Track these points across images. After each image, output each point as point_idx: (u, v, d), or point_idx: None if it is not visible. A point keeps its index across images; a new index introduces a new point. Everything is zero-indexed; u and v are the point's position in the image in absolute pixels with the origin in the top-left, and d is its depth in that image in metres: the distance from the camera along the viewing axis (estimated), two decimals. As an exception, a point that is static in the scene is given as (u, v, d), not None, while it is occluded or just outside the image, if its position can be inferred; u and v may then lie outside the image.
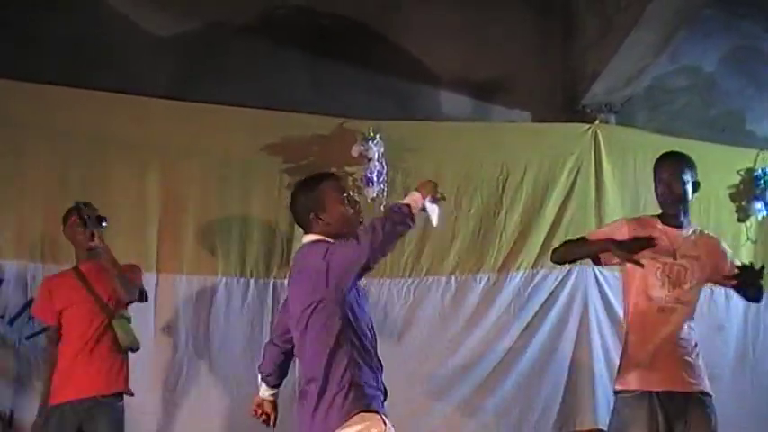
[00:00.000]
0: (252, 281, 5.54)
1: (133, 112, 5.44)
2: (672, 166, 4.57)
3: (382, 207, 5.59)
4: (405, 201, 3.65)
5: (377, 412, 3.46)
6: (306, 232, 3.71)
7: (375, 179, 5.62)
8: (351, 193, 3.75)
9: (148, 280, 5.28)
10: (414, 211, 3.60)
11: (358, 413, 3.39)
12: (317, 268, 3.47)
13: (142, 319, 5.26)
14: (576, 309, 6.13)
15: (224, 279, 5.52)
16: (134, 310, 5.00)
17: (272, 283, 5.59)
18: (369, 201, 5.64)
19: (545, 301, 6.09)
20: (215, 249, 5.53)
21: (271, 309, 5.55)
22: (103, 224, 4.70)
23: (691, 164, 4.61)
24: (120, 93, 5.43)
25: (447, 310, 5.86)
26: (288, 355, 3.94)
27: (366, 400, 3.44)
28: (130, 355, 4.85)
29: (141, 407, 5.14)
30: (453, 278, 5.84)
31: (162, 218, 5.45)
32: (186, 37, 6.11)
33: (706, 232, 4.64)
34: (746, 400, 6.49)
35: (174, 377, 5.34)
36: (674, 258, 4.48)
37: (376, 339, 3.69)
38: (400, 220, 3.54)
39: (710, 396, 4.42)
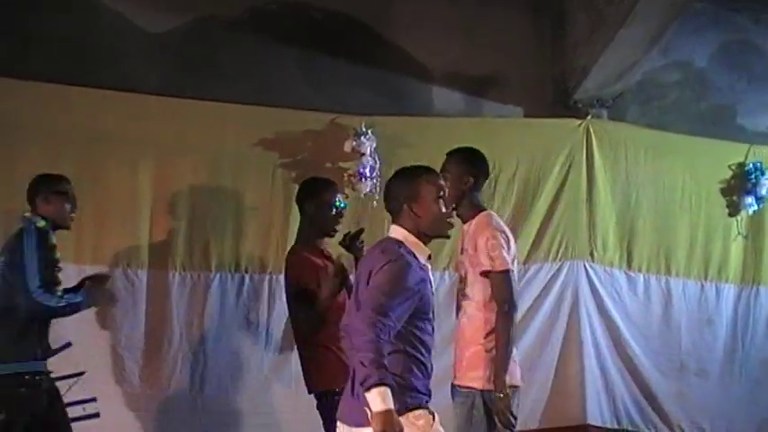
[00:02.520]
0: (247, 276, 5.53)
1: (126, 108, 5.42)
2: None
3: (375, 202, 5.61)
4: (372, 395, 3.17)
5: (420, 407, 3.42)
6: (393, 220, 3.62)
7: (368, 174, 5.63)
8: (443, 194, 3.56)
9: (141, 276, 5.29)
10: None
11: (403, 413, 3.32)
12: (380, 278, 3.38)
13: (135, 315, 5.27)
14: (567, 304, 6.18)
15: (218, 274, 5.51)
16: (127, 304, 5.01)
17: (267, 277, 5.58)
18: (362, 196, 5.66)
19: (537, 297, 6.11)
20: (209, 245, 5.53)
21: (267, 303, 5.55)
22: None
23: (458, 159, 4.44)
24: (114, 89, 5.41)
25: (441, 305, 5.85)
26: None
27: (411, 401, 3.40)
28: (124, 352, 4.82)
29: (134, 403, 5.14)
30: (447, 273, 5.84)
31: (155, 214, 5.44)
32: (179, 33, 6.08)
33: (482, 221, 4.31)
34: (735, 392, 6.54)
35: (167, 374, 5.33)
36: (461, 253, 4.42)
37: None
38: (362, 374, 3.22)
39: (473, 390, 4.18)
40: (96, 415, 5.15)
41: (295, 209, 5.55)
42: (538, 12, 6.92)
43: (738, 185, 6.55)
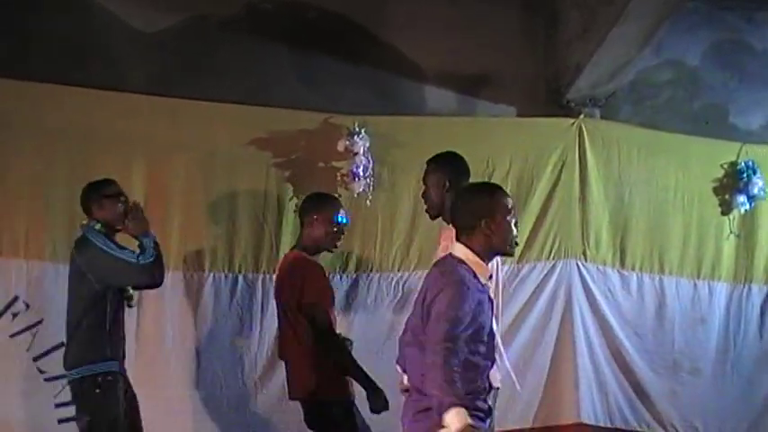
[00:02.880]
0: (240, 276, 5.53)
1: (119, 107, 5.43)
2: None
3: (368, 202, 5.61)
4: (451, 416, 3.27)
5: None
6: (461, 234, 3.60)
7: (361, 174, 5.64)
8: (513, 212, 3.61)
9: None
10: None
11: None
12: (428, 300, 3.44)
13: (127, 316, 5.25)
14: (560, 303, 6.17)
15: (212, 274, 5.51)
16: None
17: (261, 277, 5.58)
18: (355, 195, 5.66)
19: (530, 296, 6.12)
20: (202, 245, 5.53)
21: (260, 304, 5.56)
22: None
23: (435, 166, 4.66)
24: (108, 89, 5.42)
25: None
26: None
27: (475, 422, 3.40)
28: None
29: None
30: None
31: (148, 213, 5.38)
32: (172, 32, 6.08)
33: None
34: (727, 391, 6.55)
35: (160, 373, 5.32)
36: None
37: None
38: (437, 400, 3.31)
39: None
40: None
41: (289, 208, 5.59)
42: (531, 11, 6.93)
43: (731, 184, 6.54)
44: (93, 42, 5.87)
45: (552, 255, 6.17)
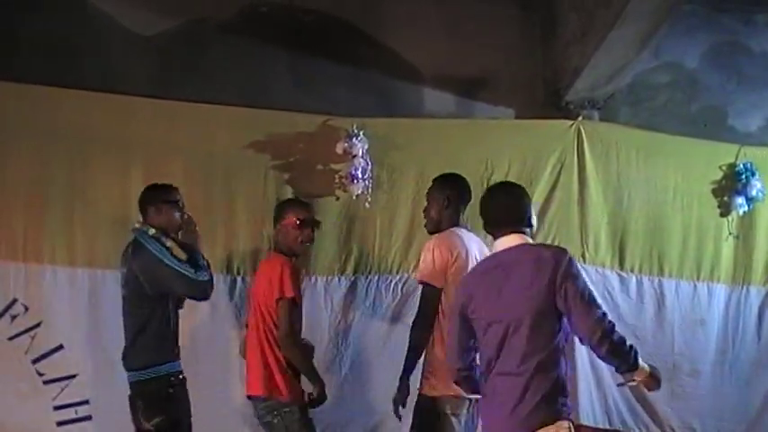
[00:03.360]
0: (239, 278, 5.52)
1: (116, 110, 5.42)
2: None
3: (367, 204, 5.61)
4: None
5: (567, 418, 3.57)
6: (506, 231, 3.78)
7: (360, 176, 5.62)
8: None
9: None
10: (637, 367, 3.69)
11: (561, 418, 3.48)
12: (548, 277, 3.59)
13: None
14: (560, 304, 6.15)
15: (211, 276, 5.50)
16: (118, 308, 5.03)
17: (259, 279, 5.56)
18: (354, 197, 5.66)
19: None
20: (201, 247, 5.51)
21: (258, 306, 5.53)
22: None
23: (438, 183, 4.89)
24: (104, 91, 5.41)
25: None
26: None
27: (565, 409, 3.57)
28: (116, 355, 4.82)
29: (126, 406, 5.11)
30: None
31: (146, 215, 5.42)
32: (168, 35, 6.10)
33: (440, 235, 4.71)
34: (726, 392, 6.54)
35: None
36: None
37: None
38: (623, 353, 3.67)
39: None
40: (88, 418, 5.17)
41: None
42: (528, 13, 6.95)
43: (729, 186, 6.53)
44: (91, 45, 5.88)
45: (551, 256, 6.16)
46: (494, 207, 3.88)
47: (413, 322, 4.52)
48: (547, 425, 3.49)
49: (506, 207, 3.85)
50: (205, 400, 5.21)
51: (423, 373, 4.57)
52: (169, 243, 4.64)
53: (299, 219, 4.73)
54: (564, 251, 3.72)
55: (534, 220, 3.90)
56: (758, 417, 6.59)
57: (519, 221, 3.81)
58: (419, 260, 4.82)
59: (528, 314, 3.58)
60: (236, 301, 5.50)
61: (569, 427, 3.54)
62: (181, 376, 4.68)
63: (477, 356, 3.82)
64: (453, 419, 4.44)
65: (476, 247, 4.67)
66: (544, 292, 3.57)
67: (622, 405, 6.18)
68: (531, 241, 3.81)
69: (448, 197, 4.69)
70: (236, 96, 5.89)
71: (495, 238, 3.84)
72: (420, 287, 4.67)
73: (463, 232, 4.68)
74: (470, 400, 4.43)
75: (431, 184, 4.86)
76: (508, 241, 3.76)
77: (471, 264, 4.45)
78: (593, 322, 3.57)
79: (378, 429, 5.58)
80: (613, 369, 3.77)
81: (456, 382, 3.96)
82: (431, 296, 4.45)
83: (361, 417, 5.62)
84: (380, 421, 5.46)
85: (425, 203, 4.91)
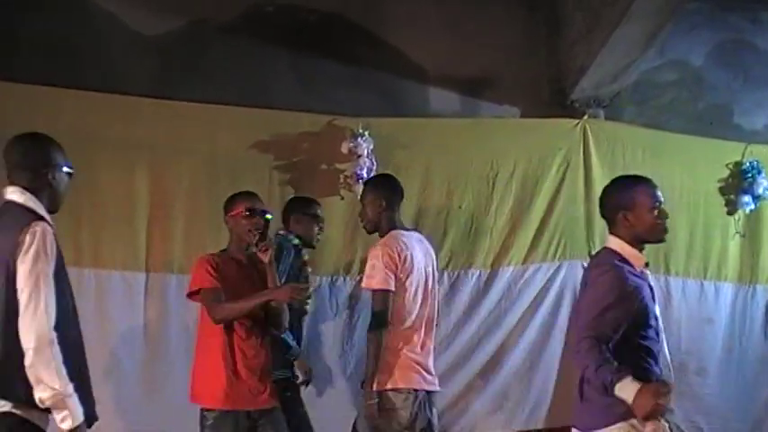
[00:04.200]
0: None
1: (120, 111, 5.40)
2: None
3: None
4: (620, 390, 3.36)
5: None
6: (610, 230, 3.76)
7: (364, 176, 5.60)
8: (661, 204, 3.68)
9: (138, 279, 5.27)
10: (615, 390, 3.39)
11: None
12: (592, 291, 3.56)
13: (132, 319, 5.25)
14: (566, 303, 6.15)
15: (214, 277, 5.48)
16: (125, 308, 5.02)
17: (263, 280, 5.54)
18: (358, 197, 5.62)
19: (535, 297, 6.10)
20: (205, 248, 5.47)
21: (263, 306, 5.52)
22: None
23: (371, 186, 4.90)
24: (106, 92, 5.40)
25: (439, 306, 5.86)
26: None
27: None
28: (122, 354, 4.82)
29: (132, 406, 5.12)
30: (446, 274, 5.82)
31: (151, 217, 5.41)
32: (171, 35, 6.09)
33: (382, 241, 4.67)
34: (732, 391, 6.53)
35: (165, 376, 5.30)
36: None
37: None
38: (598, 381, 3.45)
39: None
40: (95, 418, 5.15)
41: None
42: (534, 12, 6.94)
43: (736, 184, 6.53)
44: (94, 46, 5.87)
45: (557, 256, 6.16)
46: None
47: (370, 328, 4.52)
48: None
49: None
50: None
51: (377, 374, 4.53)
52: (305, 257, 5.01)
53: (247, 209, 4.54)
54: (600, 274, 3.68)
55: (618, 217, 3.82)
56: (765, 415, 6.58)
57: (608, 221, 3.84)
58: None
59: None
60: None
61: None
62: (293, 379, 4.98)
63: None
64: (402, 413, 4.49)
65: (418, 246, 4.72)
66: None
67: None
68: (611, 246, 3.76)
69: (384, 198, 4.72)
70: (239, 96, 5.87)
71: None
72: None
73: (404, 234, 4.72)
74: (417, 393, 4.51)
75: (363, 187, 4.88)
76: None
77: (416, 265, 4.58)
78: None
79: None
80: None
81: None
82: (385, 301, 4.51)
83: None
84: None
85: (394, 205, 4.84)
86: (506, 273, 6.04)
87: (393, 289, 4.52)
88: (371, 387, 4.47)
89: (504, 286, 6.03)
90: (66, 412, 3.06)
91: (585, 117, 6.41)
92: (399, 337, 4.54)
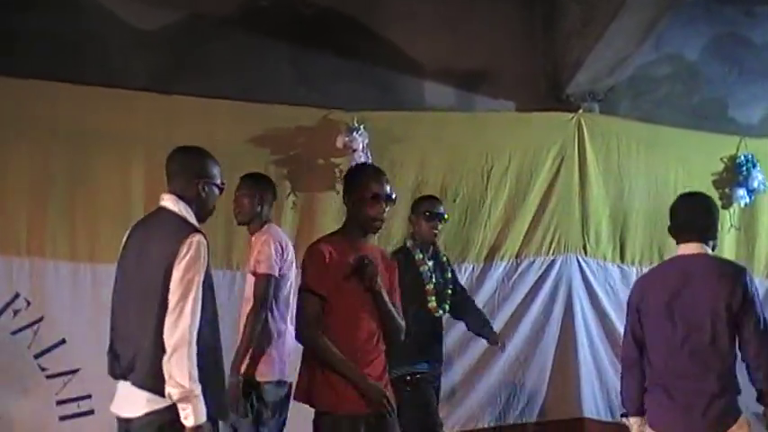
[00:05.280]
0: (238, 273, 5.50)
1: (116, 105, 5.42)
2: None
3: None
4: None
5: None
6: (689, 239, 3.96)
7: (360, 170, 5.62)
8: None
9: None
10: None
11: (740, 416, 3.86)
12: (728, 292, 3.79)
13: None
14: (561, 297, 6.18)
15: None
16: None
17: (259, 275, 5.56)
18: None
19: (529, 291, 6.12)
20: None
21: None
22: None
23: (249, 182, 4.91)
24: (103, 86, 5.41)
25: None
26: None
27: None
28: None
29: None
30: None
31: (148, 211, 5.40)
32: (169, 30, 6.09)
33: (267, 230, 4.78)
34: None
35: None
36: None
37: None
38: None
39: None
40: (91, 412, 5.19)
41: (287, 205, 5.60)
42: (529, 5, 6.94)
43: (730, 178, 6.55)
44: (91, 40, 5.88)
45: (552, 250, 6.19)
46: (682, 213, 4.05)
47: (252, 311, 4.55)
48: (730, 426, 3.82)
49: (693, 216, 4.02)
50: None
51: (247, 357, 4.57)
52: (424, 268, 5.09)
53: (374, 194, 3.94)
54: (743, 270, 3.92)
55: (718, 235, 4.11)
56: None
57: (703, 231, 3.99)
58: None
59: (708, 322, 3.79)
60: (235, 296, 5.48)
61: (747, 423, 3.87)
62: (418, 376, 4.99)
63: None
64: (271, 404, 4.58)
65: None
66: (723, 307, 3.78)
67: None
68: (710, 252, 3.98)
69: (260, 194, 4.78)
70: (237, 90, 5.87)
71: (678, 242, 4.03)
72: None
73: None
74: (287, 383, 4.57)
75: (239, 181, 4.85)
76: (689, 249, 3.96)
77: (290, 255, 4.69)
78: (764, 352, 3.83)
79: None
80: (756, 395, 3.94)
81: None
82: (269, 286, 4.58)
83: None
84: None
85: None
86: (500, 266, 6.07)
87: (276, 275, 4.61)
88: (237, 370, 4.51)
89: (498, 280, 6.07)
90: (189, 410, 3.25)
91: (581, 111, 6.43)
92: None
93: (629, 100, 7.04)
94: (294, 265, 4.70)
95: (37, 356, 5.19)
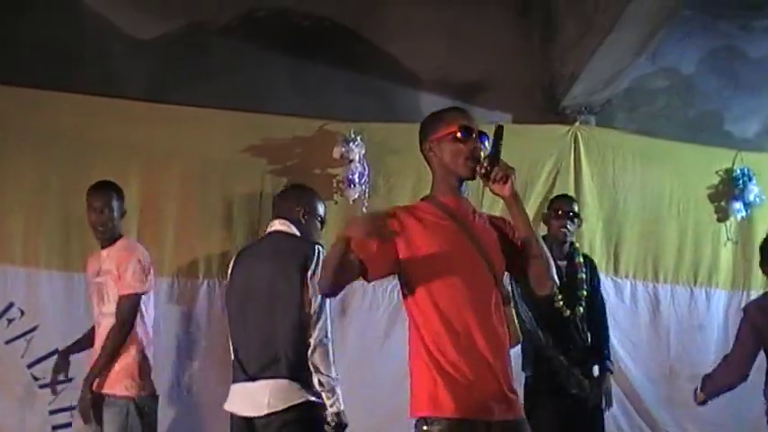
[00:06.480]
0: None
1: (113, 114, 5.43)
2: None
3: (364, 208, 5.61)
4: None
5: None
6: None
7: (357, 180, 5.64)
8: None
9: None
10: None
11: None
12: None
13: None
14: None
15: (206, 281, 5.50)
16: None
17: (254, 285, 5.55)
18: (350, 202, 5.67)
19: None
20: (196, 252, 5.52)
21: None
22: None
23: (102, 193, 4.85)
24: (101, 95, 5.42)
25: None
26: None
27: None
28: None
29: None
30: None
31: (142, 220, 5.43)
32: (166, 39, 6.10)
33: (128, 246, 4.88)
34: (725, 399, 6.51)
35: (155, 381, 5.30)
36: (98, 275, 4.87)
37: None
38: None
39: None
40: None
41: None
42: (526, 17, 6.95)
43: (726, 191, 6.55)
44: (88, 49, 5.88)
45: (545, 261, 6.16)
46: None
47: (116, 330, 4.56)
48: None
49: None
50: (201, 405, 5.23)
51: (114, 375, 4.60)
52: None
53: (461, 127, 3.34)
54: None
55: None
56: (757, 423, 6.57)
57: None
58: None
59: None
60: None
61: None
62: None
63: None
64: (149, 419, 4.64)
65: None
66: None
67: (617, 410, 6.15)
68: None
69: (118, 207, 4.79)
70: (234, 101, 5.88)
71: None
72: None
73: None
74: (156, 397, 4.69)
75: (89, 195, 4.79)
76: None
77: None
78: None
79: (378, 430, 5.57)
80: None
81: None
82: (137, 304, 4.64)
83: (360, 418, 5.62)
84: (379, 423, 5.43)
85: None
86: (496, 278, 6.04)
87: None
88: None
89: (494, 292, 6.03)
90: (335, 398, 4.00)
91: (577, 123, 6.44)
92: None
93: (626, 113, 7.04)
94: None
95: (30, 366, 5.19)
